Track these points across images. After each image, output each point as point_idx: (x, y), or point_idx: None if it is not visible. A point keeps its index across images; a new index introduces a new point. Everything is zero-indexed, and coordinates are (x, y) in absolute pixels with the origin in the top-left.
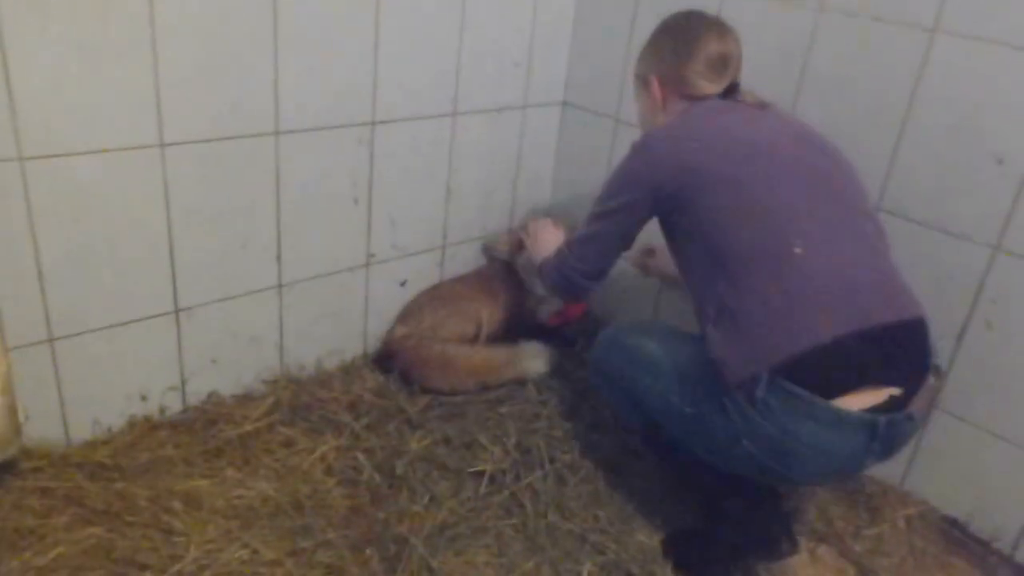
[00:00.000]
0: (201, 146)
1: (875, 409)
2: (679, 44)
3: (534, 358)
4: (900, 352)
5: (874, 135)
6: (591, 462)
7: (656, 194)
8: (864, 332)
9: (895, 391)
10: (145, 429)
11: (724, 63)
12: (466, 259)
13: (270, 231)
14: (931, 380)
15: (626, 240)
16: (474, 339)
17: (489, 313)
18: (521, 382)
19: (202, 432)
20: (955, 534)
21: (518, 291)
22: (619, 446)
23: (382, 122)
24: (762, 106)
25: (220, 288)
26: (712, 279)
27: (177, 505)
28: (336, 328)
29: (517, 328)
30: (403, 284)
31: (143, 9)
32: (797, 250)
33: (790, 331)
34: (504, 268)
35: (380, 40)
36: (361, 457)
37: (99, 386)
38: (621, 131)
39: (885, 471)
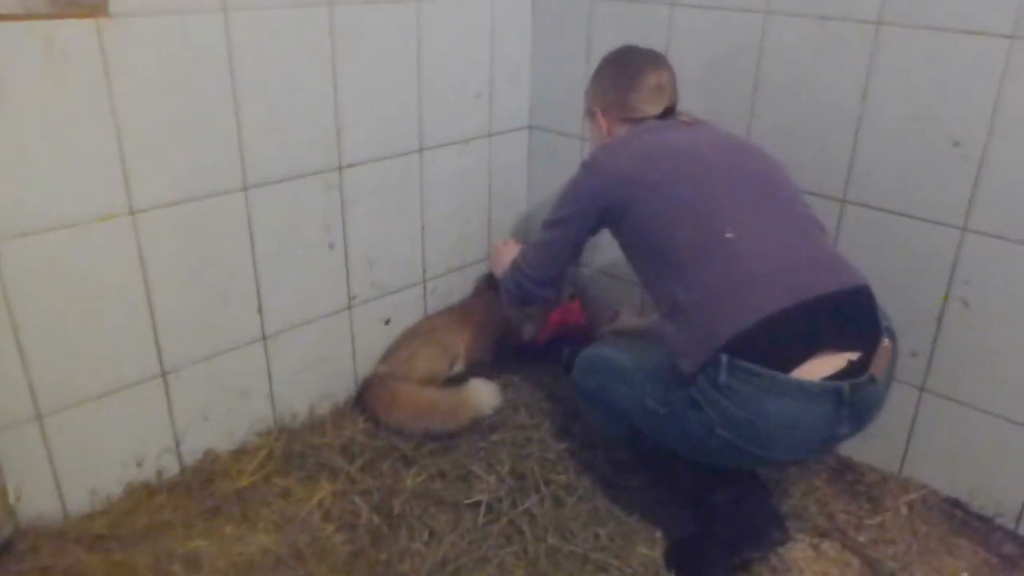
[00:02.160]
0: (171, 209)
1: (837, 377)
2: (621, 79)
3: (483, 395)
4: (848, 318)
5: (832, 131)
6: (587, 481)
7: (599, 205)
8: (808, 302)
9: (853, 356)
10: (143, 495)
11: (660, 90)
12: (449, 290)
13: (249, 284)
14: (886, 342)
15: (575, 249)
16: (450, 370)
17: (468, 344)
18: (478, 421)
19: (199, 491)
20: (958, 515)
21: (500, 316)
22: (613, 462)
23: (349, 166)
24: (694, 123)
25: (205, 346)
26: (660, 279)
27: (178, 569)
28: (325, 373)
29: (505, 352)
30: (387, 322)
31: (100, 79)
32: (729, 235)
33: (734, 310)
34: (488, 295)
35: (339, 86)
36: (358, 500)
37: (92, 457)
38: (587, 149)
39: (883, 459)
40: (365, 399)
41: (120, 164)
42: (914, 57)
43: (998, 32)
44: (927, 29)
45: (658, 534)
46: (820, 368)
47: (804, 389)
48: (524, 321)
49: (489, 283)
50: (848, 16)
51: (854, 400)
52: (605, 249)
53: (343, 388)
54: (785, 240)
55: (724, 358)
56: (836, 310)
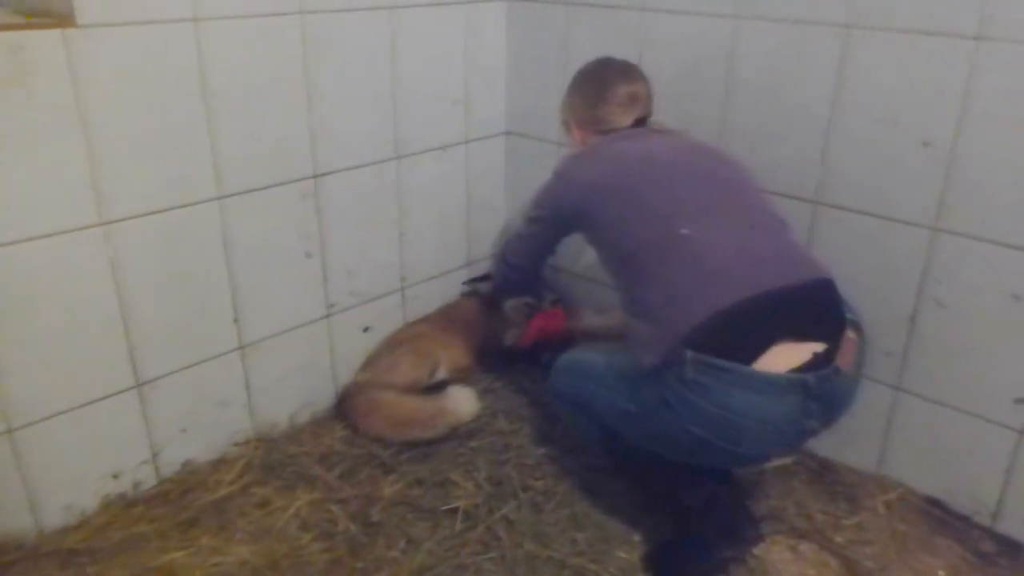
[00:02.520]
0: (144, 220)
1: (802, 368)
2: (592, 92)
3: (462, 402)
4: (811, 310)
5: (804, 133)
6: (565, 486)
7: (565, 210)
8: (767, 294)
9: (817, 348)
10: (119, 508)
11: (632, 103)
12: (429, 298)
13: (225, 294)
14: (850, 333)
15: (549, 245)
16: (431, 377)
17: (449, 351)
18: (456, 428)
19: (176, 503)
20: (936, 513)
21: (483, 322)
22: (592, 467)
23: (324, 174)
24: (663, 131)
25: (181, 356)
26: (625, 279)
27: None
28: (305, 382)
29: (488, 358)
30: (366, 330)
31: (68, 90)
32: (684, 231)
33: (691, 303)
34: (472, 302)
35: (312, 95)
36: (335, 508)
37: (68, 470)
38: (565, 152)
39: (860, 459)
40: (344, 409)
41: (91, 175)
42: (883, 59)
43: (964, 33)
44: (895, 31)
45: (636, 538)
46: (784, 359)
47: (770, 382)
48: (510, 324)
49: (471, 289)
50: (817, 20)
51: (821, 392)
52: (587, 254)
53: (323, 397)
54: (745, 235)
55: (689, 353)
56: (797, 302)
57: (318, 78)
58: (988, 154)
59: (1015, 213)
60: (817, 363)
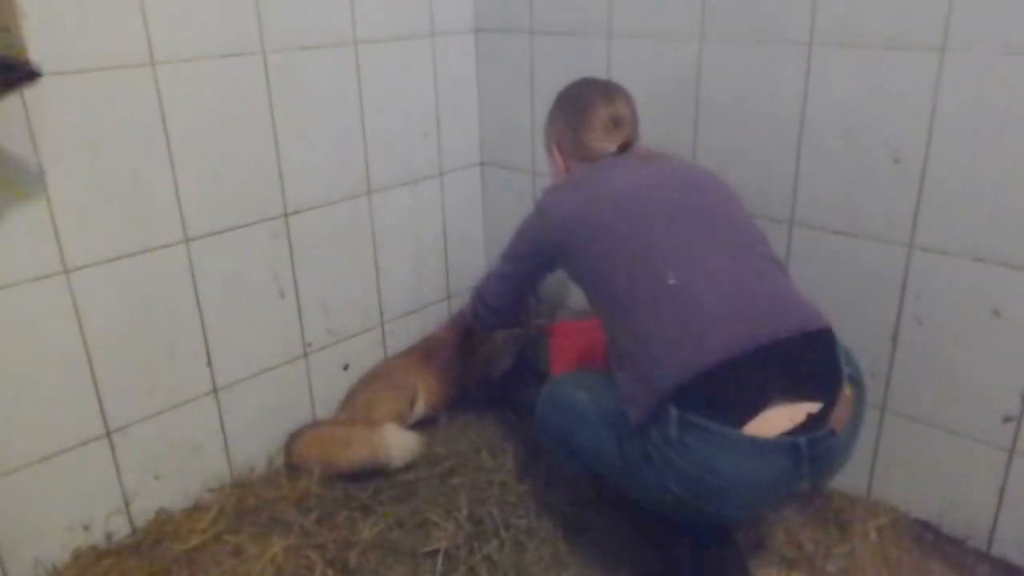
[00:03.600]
0: (108, 265)
1: (795, 431)
2: (573, 115)
3: (393, 444)
4: (805, 366)
5: (774, 153)
6: (549, 523)
7: (544, 246)
8: (758, 350)
9: (812, 408)
10: (90, 559)
11: (616, 123)
12: (409, 332)
13: (196, 337)
14: (847, 391)
15: (528, 284)
16: (412, 411)
17: (427, 383)
18: (385, 471)
19: (148, 553)
20: (928, 537)
21: (463, 355)
22: (576, 503)
23: (295, 212)
24: (650, 157)
25: (152, 402)
26: (609, 324)
27: None
28: (283, 423)
29: (471, 392)
30: (346, 368)
31: (24, 141)
32: (671, 281)
33: (676, 359)
34: (451, 333)
35: (279, 133)
36: (312, 554)
37: (36, 523)
38: (540, 182)
39: (850, 482)
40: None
41: (51, 223)
42: (848, 75)
43: (928, 46)
44: (858, 47)
45: (622, 575)
46: (776, 422)
47: (758, 447)
48: (495, 362)
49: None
50: (780, 39)
51: (814, 456)
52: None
53: None
54: (735, 281)
55: (674, 412)
56: (791, 358)
57: (283, 116)
58: (958, 167)
59: (988, 226)
60: (811, 424)
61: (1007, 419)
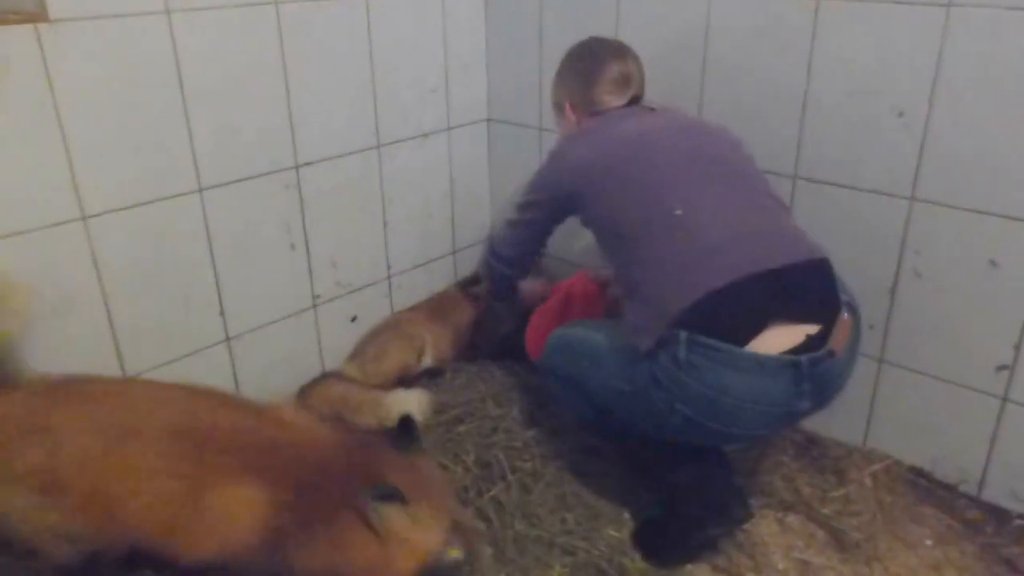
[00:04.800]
0: (124, 213)
1: (795, 351)
2: (584, 72)
3: (403, 403)
4: (804, 291)
5: (780, 109)
6: (554, 467)
7: (560, 192)
8: (760, 275)
9: (811, 330)
10: None
11: (626, 80)
12: (414, 286)
13: (209, 287)
14: (845, 315)
15: (541, 232)
16: (419, 362)
17: (435, 336)
18: None
19: None
20: (922, 483)
21: (471, 312)
22: (581, 448)
23: (306, 164)
24: (658, 110)
25: (167, 350)
26: (620, 260)
27: None
28: (293, 373)
29: (477, 348)
30: (354, 320)
31: (42, 86)
32: (678, 211)
33: (683, 284)
34: (459, 293)
35: (290, 84)
36: None
37: None
38: (546, 138)
39: (847, 432)
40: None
41: (68, 170)
42: (854, 31)
43: (934, 1)
44: (865, 2)
45: (626, 516)
46: (778, 341)
47: (762, 363)
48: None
49: (474, 294)
50: None
51: (814, 375)
52: (582, 239)
53: None
54: (739, 215)
55: (683, 334)
56: (791, 283)
57: (295, 68)
58: (961, 122)
59: (989, 179)
60: (810, 345)
61: (1001, 367)
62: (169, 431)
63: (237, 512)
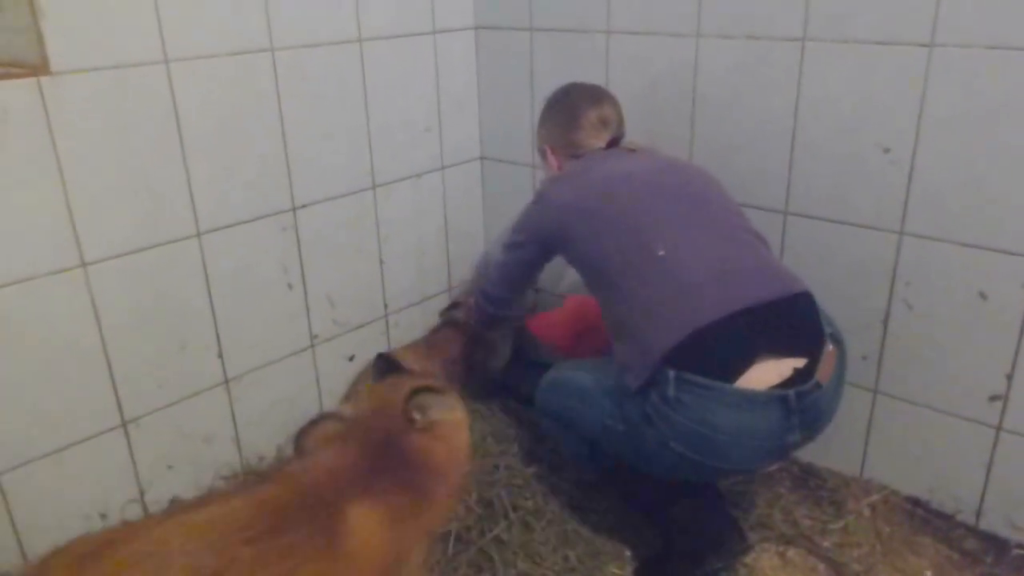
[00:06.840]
0: (123, 259)
1: (783, 384)
2: (563, 118)
3: None
4: (789, 325)
5: (769, 145)
6: (555, 504)
7: (543, 233)
8: (745, 311)
9: (798, 363)
10: None
11: (604, 123)
12: (411, 324)
13: (207, 329)
14: (829, 347)
15: (529, 272)
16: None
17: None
18: None
19: None
20: (919, 513)
21: (462, 350)
22: (581, 485)
23: (303, 206)
24: (636, 150)
25: (165, 393)
26: (605, 300)
27: None
28: (291, 413)
29: (472, 386)
30: (351, 359)
31: (44, 137)
32: (660, 252)
33: (668, 323)
34: (451, 330)
35: (287, 128)
36: None
37: (54, 512)
38: (539, 176)
39: (843, 463)
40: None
41: (69, 218)
42: (840, 70)
43: (916, 41)
44: (849, 43)
45: (627, 553)
46: (765, 376)
47: (751, 399)
48: (494, 358)
49: (447, 318)
50: (774, 35)
51: (803, 407)
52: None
53: None
54: (719, 252)
55: (671, 373)
56: (775, 317)
57: (291, 112)
58: (946, 157)
59: (975, 213)
60: (798, 378)
61: (993, 398)
62: None
63: None
